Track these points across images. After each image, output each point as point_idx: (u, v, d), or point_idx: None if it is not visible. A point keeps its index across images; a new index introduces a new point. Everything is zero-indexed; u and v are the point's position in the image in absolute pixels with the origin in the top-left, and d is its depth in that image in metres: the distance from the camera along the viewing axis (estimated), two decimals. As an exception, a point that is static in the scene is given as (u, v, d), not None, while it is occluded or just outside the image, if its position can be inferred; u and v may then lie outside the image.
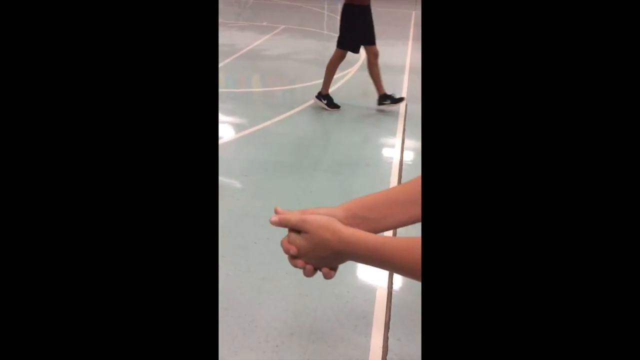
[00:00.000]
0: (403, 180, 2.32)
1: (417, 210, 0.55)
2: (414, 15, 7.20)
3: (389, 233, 1.84)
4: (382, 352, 1.35)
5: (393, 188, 0.59)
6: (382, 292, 1.57)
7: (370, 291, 1.58)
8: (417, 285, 1.66)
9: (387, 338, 1.40)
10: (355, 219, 0.55)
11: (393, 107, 3.17)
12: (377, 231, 0.55)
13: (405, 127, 2.98)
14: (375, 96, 3.22)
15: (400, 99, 3.17)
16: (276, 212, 0.56)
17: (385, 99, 3.16)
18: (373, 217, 0.56)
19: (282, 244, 0.55)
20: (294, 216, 0.54)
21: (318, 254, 0.52)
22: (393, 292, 1.58)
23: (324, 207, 0.56)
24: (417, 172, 2.45)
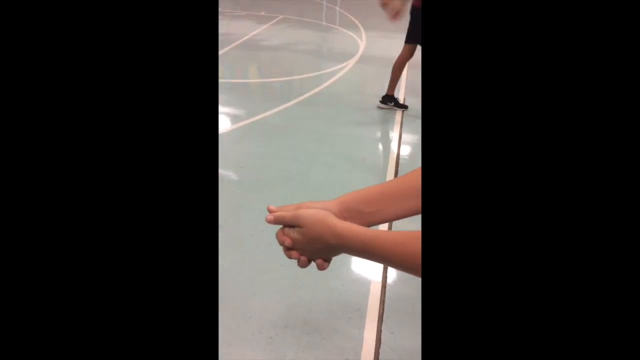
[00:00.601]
0: (399, 173, 2.32)
1: (413, 203, 0.55)
2: (414, 8, 7.16)
3: (385, 226, 1.84)
4: (375, 344, 1.36)
5: (389, 182, 0.59)
6: (376, 285, 1.58)
7: (364, 284, 1.59)
8: (410, 278, 1.67)
9: (381, 331, 1.41)
10: (350, 212, 0.56)
11: (392, 109, 3.14)
12: (372, 224, 0.56)
13: (403, 121, 2.97)
14: (373, 90, 3.21)
15: (405, 107, 3.13)
16: (269, 210, 0.56)
17: (390, 100, 3.13)
18: (368, 211, 0.56)
19: (277, 236, 0.55)
20: (288, 212, 0.54)
21: (313, 247, 0.53)
22: (387, 285, 1.59)
23: (319, 201, 0.56)
24: (414, 166, 2.45)
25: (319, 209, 0.54)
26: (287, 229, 0.55)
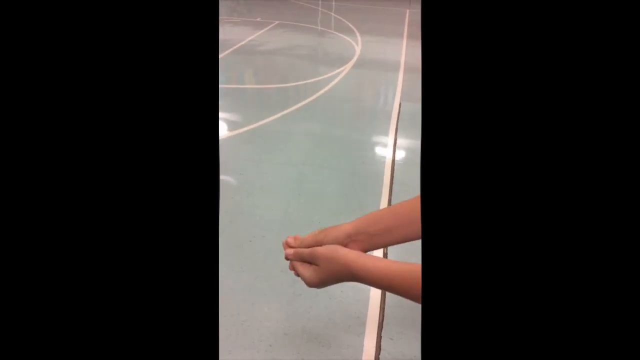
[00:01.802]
0: (395, 179, 2.33)
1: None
2: (408, 14, 7.21)
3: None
4: (375, 351, 1.36)
5: (400, 203, 0.61)
6: (375, 292, 1.58)
7: (364, 291, 1.59)
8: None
9: (381, 337, 1.41)
10: (358, 235, 0.58)
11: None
12: (379, 246, 0.59)
13: (398, 126, 2.99)
14: (370, 95, 3.22)
15: None
16: (288, 244, 0.61)
17: None
18: (375, 231, 0.58)
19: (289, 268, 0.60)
20: (306, 250, 0.58)
21: (326, 282, 0.56)
22: (387, 293, 1.59)
23: (337, 226, 0.60)
24: (409, 170, 2.46)
25: (339, 233, 0.58)
26: (301, 266, 0.58)
